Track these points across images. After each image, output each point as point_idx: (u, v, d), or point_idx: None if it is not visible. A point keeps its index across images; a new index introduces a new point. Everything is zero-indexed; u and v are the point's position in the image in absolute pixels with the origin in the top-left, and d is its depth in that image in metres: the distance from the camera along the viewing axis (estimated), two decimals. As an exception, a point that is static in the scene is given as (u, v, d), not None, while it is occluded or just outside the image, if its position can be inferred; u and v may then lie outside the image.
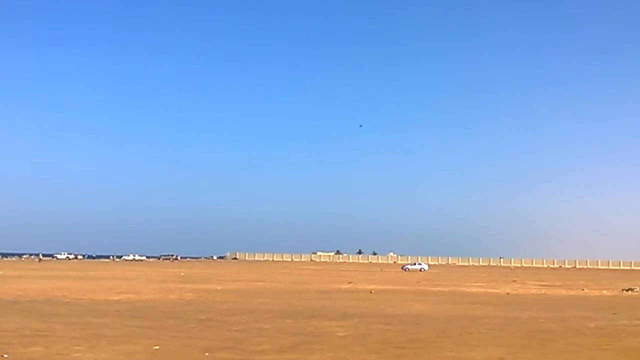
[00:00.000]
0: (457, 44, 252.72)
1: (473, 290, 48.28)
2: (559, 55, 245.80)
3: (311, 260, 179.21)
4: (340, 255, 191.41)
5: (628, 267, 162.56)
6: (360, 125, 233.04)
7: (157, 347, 16.26)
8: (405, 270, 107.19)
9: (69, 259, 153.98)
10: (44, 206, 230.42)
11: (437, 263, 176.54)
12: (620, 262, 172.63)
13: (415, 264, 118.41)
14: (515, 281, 67.63)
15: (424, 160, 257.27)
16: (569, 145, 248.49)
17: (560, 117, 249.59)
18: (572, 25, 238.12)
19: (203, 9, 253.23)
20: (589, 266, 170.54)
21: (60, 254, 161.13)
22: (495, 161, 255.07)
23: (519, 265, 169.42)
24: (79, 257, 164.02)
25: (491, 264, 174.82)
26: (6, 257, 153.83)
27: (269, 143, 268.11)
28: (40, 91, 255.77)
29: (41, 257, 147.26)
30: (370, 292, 42.88)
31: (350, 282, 56.10)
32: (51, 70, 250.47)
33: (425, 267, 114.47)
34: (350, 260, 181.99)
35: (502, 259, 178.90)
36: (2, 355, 14.70)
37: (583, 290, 51.02)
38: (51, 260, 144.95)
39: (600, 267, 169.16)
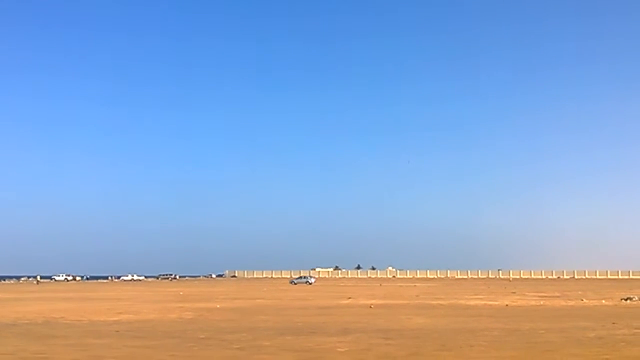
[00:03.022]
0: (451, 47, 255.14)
1: (472, 302, 48.22)
2: (550, 64, 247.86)
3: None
4: (339, 271, 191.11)
5: (626, 277, 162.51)
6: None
7: (158, 367, 16.25)
8: (292, 284, 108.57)
9: (67, 280, 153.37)
10: (41, 228, 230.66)
11: (436, 276, 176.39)
12: (618, 271, 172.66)
13: (301, 277, 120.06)
14: (514, 293, 67.60)
15: (422, 175, 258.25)
16: (565, 155, 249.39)
17: (559, 127, 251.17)
18: (567, 34, 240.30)
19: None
20: (587, 276, 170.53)
21: (59, 276, 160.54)
22: (493, 173, 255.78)
23: (518, 276, 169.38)
24: (78, 278, 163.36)
25: (490, 276, 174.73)
26: (4, 279, 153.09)
27: (268, 161, 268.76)
28: (40, 113, 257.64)
29: (39, 279, 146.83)
30: (370, 307, 42.83)
31: (349, 298, 56.01)
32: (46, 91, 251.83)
33: (312, 280, 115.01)
34: (349, 276, 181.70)
35: (500, 271, 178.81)
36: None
37: (582, 300, 51.00)
38: (49, 282, 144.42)
39: (598, 277, 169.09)
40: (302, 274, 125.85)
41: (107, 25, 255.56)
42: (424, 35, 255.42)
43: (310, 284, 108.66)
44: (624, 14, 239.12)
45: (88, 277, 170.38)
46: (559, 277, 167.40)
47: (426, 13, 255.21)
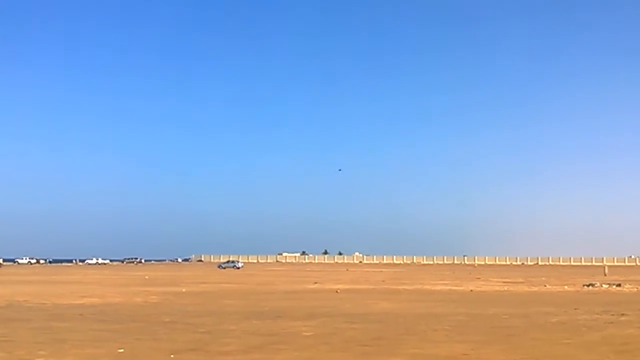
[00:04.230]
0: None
1: (437, 288, 48.71)
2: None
3: (277, 261, 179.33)
4: (306, 256, 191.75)
5: (589, 263, 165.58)
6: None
7: (122, 350, 16.14)
8: (220, 268, 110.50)
9: (31, 264, 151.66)
10: (4, 210, 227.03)
11: (402, 262, 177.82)
12: (581, 258, 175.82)
13: (229, 262, 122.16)
14: (478, 278, 68.45)
15: (389, 162, 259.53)
16: (529, 146, 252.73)
17: (526, 118, 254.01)
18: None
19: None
20: (550, 263, 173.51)
21: (22, 259, 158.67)
22: (459, 161, 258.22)
23: (483, 262, 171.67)
24: (41, 261, 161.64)
25: (455, 262, 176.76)
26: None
27: (234, 144, 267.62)
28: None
29: (2, 262, 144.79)
30: (336, 291, 43.02)
31: (316, 282, 56.20)
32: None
33: (240, 264, 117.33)
34: (316, 261, 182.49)
35: (466, 257, 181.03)
36: (-37, 362, 14.48)
37: (545, 286, 51.80)
38: (13, 265, 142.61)
39: (561, 263, 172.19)
40: (230, 259, 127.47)
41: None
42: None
43: (238, 268, 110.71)
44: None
45: (53, 260, 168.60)
46: (523, 264, 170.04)
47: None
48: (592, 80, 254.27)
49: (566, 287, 50.15)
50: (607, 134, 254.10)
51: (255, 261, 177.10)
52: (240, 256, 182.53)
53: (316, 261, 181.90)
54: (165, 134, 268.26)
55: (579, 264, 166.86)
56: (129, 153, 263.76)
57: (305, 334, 19.63)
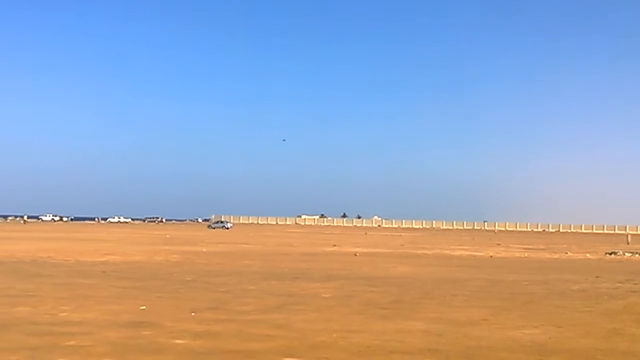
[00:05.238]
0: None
1: (457, 253, 48.68)
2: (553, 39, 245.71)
3: (296, 223, 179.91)
4: (325, 219, 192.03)
5: (612, 231, 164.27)
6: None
7: (144, 307, 16.33)
8: (210, 228, 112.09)
9: (54, 221, 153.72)
10: (29, 167, 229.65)
11: (421, 226, 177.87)
12: (604, 225, 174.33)
13: (218, 222, 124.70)
14: (499, 244, 68.29)
15: (409, 124, 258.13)
16: (553, 113, 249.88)
17: (547, 87, 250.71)
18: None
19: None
20: (572, 230, 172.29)
21: (46, 216, 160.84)
22: (482, 125, 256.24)
23: (503, 229, 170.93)
24: (64, 218, 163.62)
25: (475, 227, 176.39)
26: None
27: (255, 107, 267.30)
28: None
29: (26, 218, 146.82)
30: (355, 255, 43.15)
31: (334, 245, 56.39)
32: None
33: (229, 225, 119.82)
34: (335, 224, 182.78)
35: (486, 223, 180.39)
36: (-12, 315, 14.73)
37: (566, 253, 51.57)
38: (36, 221, 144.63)
39: (584, 231, 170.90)
40: (221, 219, 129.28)
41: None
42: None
43: (227, 228, 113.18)
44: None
45: (75, 217, 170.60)
46: (544, 230, 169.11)
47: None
48: None
49: (588, 254, 49.90)
50: (632, 102, 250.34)
51: (274, 223, 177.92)
52: (260, 218, 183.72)
53: (335, 224, 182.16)
54: (187, 100, 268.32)
55: (602, 231, 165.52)
56: (152, 116, 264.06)
57: (323, 295, 19.74)
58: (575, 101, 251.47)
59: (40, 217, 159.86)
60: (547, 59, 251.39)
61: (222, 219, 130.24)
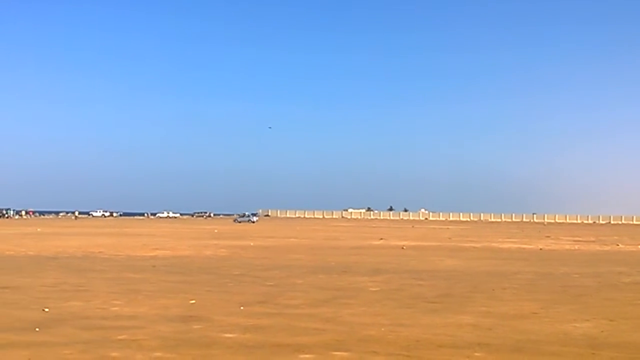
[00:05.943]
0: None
1: (506, 246, 48.11)
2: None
3: (342, 217, 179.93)
4: (372, 212, 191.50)
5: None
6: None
7: (194, 302, 16.54)
8: (236, 222, 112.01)
9: (105, 217, 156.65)
10: (80, 164, 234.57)
11: (468, 219, 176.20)
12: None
13: (244, 216, 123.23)
14: (548, 237, 67.27)
15: (457, 116, 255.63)
16: (604, 103, 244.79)
17: (597, 78, 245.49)
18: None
19: None
20: (623, 222, 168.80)
21: (96, 212, 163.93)
22: (530, 117, 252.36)
23: (553, 221, 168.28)
24: (114, 214, 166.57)
25: (524, 220, 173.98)
26: (44, 214, 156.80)
27: (301, 101, 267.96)
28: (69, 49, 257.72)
29: (77, 214, 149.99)
30: (402, 248, 42.99)
31: (381, 239, 56.27)
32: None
33: (255, 219, 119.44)
34: (382, 217, 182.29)
35: (535, 215, 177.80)
36: (44, 309, 15.07)
37: (617, 245, 50.59)
38: (87, 217, 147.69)
39: (635, 222, 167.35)
40: (246, 214, 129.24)
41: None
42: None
43: (253, 222, 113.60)
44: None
45: (125, 213, 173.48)
46: (594, 222, 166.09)
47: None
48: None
49: None
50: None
51: (321, 217, 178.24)
52: (306, 211, 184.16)
53: (381, 217, 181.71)
54: (237, 97, 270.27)
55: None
56: (201, 108, 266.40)
57: (371, 289, 19.72)
58: (626, 86, 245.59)
59: (91, 212, 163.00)
60: (599, 45, 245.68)
61: (247, 213, 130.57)
